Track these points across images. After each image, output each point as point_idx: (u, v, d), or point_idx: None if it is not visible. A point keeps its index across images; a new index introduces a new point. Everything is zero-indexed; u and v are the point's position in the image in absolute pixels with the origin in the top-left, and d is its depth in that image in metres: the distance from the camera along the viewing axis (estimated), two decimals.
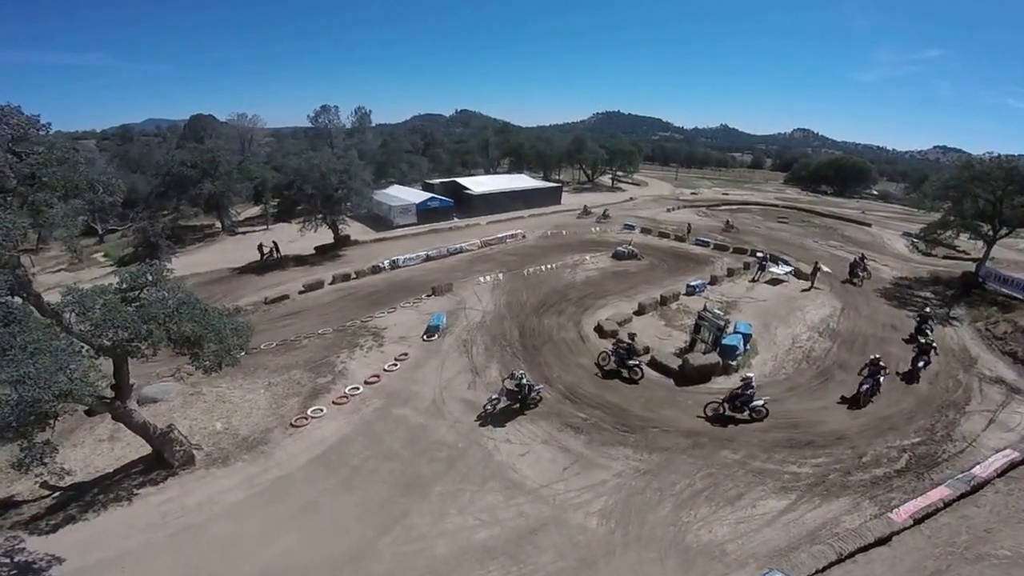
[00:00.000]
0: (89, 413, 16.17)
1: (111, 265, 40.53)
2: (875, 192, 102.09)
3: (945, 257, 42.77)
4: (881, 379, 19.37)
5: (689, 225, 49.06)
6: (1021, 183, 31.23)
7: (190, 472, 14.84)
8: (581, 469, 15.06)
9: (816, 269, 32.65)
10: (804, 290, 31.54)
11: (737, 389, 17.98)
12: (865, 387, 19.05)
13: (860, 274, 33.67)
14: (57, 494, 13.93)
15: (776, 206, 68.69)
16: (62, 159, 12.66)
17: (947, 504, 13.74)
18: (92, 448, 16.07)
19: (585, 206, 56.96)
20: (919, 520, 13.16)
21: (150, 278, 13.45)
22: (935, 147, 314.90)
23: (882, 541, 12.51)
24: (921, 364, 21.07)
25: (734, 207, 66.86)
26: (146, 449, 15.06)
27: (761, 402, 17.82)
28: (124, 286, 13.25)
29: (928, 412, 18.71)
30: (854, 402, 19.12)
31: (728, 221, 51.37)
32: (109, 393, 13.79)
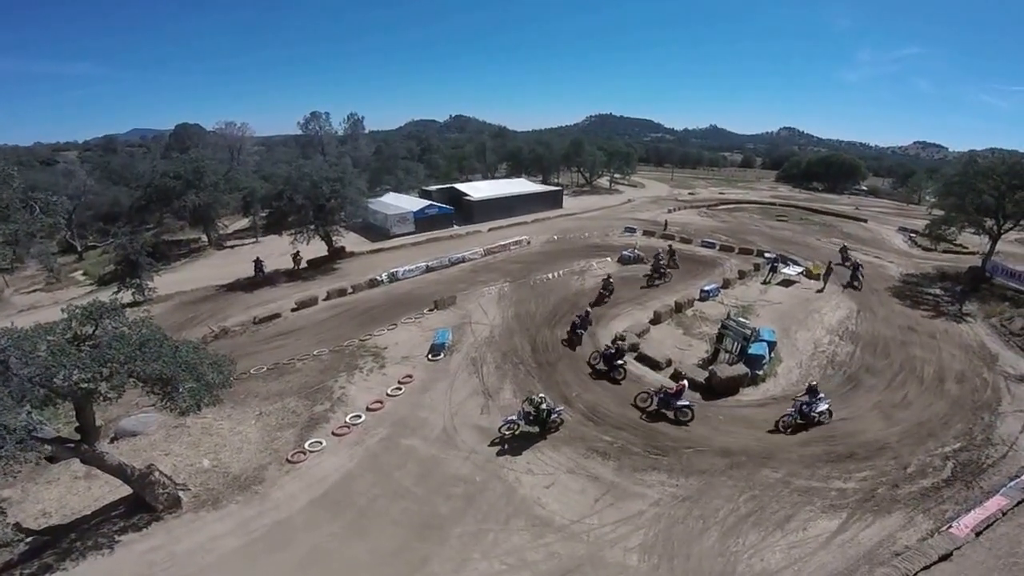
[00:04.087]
0: (51, 460, 14.57)
1: (91, 284, 38.98)
2: (865, 188, 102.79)
3: (945, 252, 42.69)
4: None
5: (666, 222, 49.13)
6: (1023, 178, 31.20)
7: (177, 516, 13.32)
8: (614, 500, 13.75)
9: (829, 269, 31.95)
10: (818, 291, 30.73)
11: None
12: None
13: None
14: (30, 539, 12.48)
15: (773, 204, 68.41)
16: None
17: (1004, 513, 13.10)
18: (67, 486, 14.55)
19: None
20: (979, 532, 12.47)
21: (103, 314, 11.84)
22: (915, 143, 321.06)
23: (944, 557, 11.70)
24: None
25: (731, 206, 66.55)
26: (127, 489, 13.57)
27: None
28: (73, 324, 11.66)
29: (963, 415, 18.22)
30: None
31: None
32: (75, 436, 12.37)
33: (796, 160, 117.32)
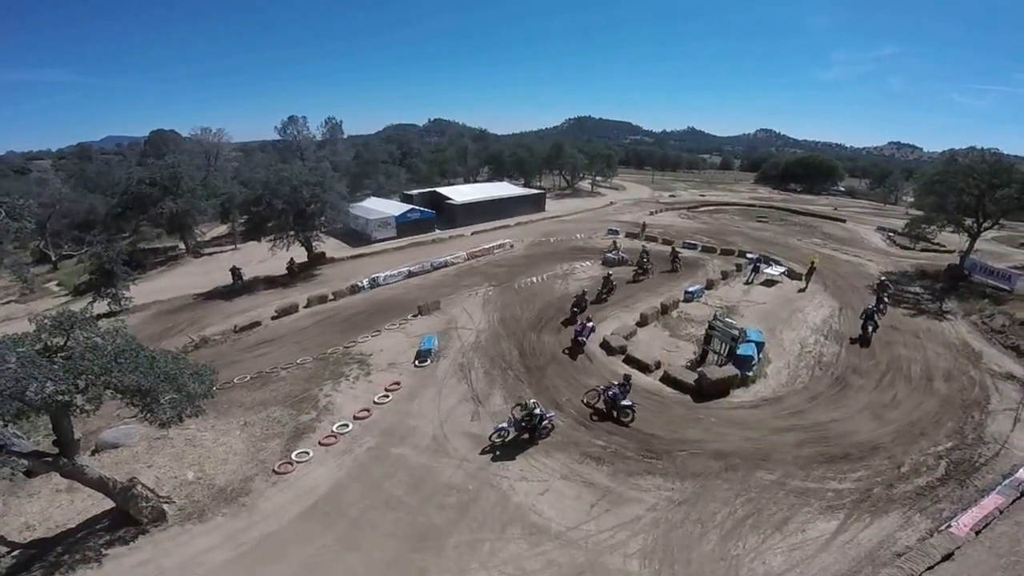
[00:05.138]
0: (29, 474, 13.99)
1: (66, 294, 37.84)
2: (842, 188, 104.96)
3: (923, 250, 43.58)
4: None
5: (644, 224, 49.07)
6: (1004, 176, 31.71)
7: (163, 529, 12.89)
8: (610, 505, 13.54)
9: (812, 269, 32.13)
10: (800, 290, 30.95)
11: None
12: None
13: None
14: (16, 553, 12.09)
15: (753, 206, 69.33)
16: None
17: (1001, 512, 13.15)
18: (49, 499, 14.04)
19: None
20: (978, 531, 12.50)
21: (74, 324, 11.28)
22: (890, 143, 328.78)
23: (946, 557, 11.70)
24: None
25: (711, 208, 67.28)
26: (111, 501, 13.11)
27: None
28: (43, 335, 11.12)
29: (953, 413, 18.26)
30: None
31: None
32: (53, 449, 11.86)
33: (774, 162, 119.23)
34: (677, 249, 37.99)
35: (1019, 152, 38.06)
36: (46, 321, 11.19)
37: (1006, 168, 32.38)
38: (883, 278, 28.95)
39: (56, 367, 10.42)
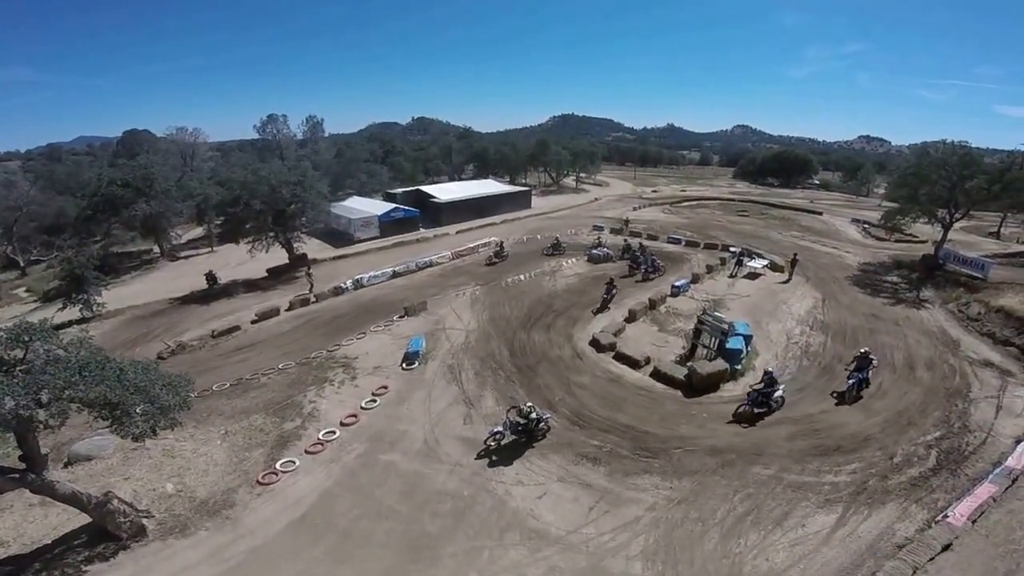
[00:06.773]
0: None
1: (35, 301, 36.65)
2: (816, 182, 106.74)
3: (897, 241, 44.43)
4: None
5: (627, 220, 49.22)
6: (973, 168, 32.48)
7: (144, 545, 12.33)
8: (609, 507, 13.28)
9: (795, 261, 32.44)
10: (783, 282, 31.24)
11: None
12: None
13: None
14: None
15: (732, 200, 69.94)
16: None
17: (995, 500, 13.17)
18: (23, 514, 13.38)
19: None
20: (974, 521, 12.49)
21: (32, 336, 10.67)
22: (860, 137, 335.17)
23: (945, 547, 11.66)
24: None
25: (693, 202, 67.79)
26: (86, 517, 12.51)
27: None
28: None
29: (937, 402, 18.34)
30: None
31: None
32: (19, 465, 11.26)
33: (751, 157, 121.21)
34: (628, 239, 39.39)
35: (979, 143, 38.78)
36: (1, 334, 10.57)
37: (975, 160, 33.22)
38: (865, 350, 19.29)
39: (15, 382, 9.85)
